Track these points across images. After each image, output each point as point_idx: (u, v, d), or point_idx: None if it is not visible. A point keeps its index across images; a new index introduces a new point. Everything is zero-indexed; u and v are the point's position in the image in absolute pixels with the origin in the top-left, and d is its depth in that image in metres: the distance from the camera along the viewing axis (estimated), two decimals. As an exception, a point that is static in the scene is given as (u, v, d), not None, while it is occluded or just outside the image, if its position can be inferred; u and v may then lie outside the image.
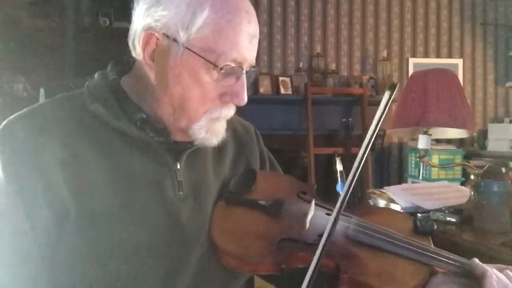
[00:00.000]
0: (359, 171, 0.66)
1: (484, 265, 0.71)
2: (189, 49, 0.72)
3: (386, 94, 0.67)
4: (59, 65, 3.52)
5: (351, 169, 0.67)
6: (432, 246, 0.79)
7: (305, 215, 0.80)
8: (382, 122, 0.67)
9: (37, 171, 0.70)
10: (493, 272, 0.69)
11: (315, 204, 0.84)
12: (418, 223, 0.83)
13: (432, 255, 0.75)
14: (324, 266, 0.73)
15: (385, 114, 0.67)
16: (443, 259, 0.75)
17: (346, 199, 0.66)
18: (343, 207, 0.67)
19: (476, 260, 0.73)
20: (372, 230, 0.79)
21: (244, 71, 0.76)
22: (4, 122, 0.75)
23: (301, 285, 0.61)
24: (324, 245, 0.64)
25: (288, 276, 0.73)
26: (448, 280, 0.73)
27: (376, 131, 0.67)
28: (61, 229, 0.71)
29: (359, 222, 0.80)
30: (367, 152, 0.66)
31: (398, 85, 0.69)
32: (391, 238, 0.77)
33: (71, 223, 0.70)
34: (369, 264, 0.74)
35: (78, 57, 3.59)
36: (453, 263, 0.74)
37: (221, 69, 0.73)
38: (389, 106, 0.67)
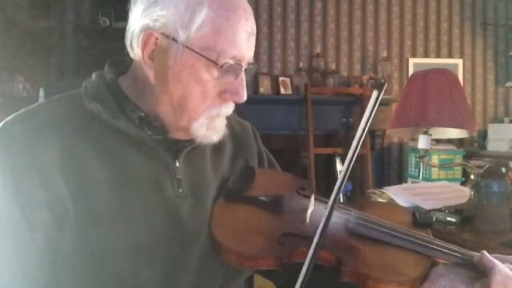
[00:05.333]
0: (352, 162, 0.66)
1: (493, 259, 0.72)
2: (189, 48, 0.72)
3: (374, 93, 0.67)
4: (59, 65, 3.52)
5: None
6: (432, 237, 0.80)
7: (305, 209, 0.81)
8: (370, 122, 0.66)
9: (35, 171, 0.70)
10: (501, 267, 0.69)
11: (315, 199, 0.84)
12: (417, 215, 0.85)
13: (432, 246, 0.76)
14: (325, 259, 0.74)
15: (374, 114, 0.66)
16: (442, 249, 0.76)
17: (342, 186, 0.67)
18: (338, 196, 0.67)
19: (485, 252, 0.73)
20: (372, 223, 0.79)
21: (243, 69, 0.76)
22: (1, 123, 0.74)
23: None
24: (321, 233, 0.64)
25: (288, 272, 0.73)
26: (448, 271, 0.74)
27: (366, 131, 0.66)
28: (60, 229, 0.71)
29: (359, 215, 0.81)
30: (357, 151, 0.66)
31: (386, 84, 0.68)
32: (391, 230, 0.78)
33: (70, 222, 0.70)
34: (370, 257, 0.75)
35: (78, 57, 3.59)
36: (453, 253, 0.75)
37: (221, 66, 0.73)
38: (378, 105, 0.66)
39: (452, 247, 0.76)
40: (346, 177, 0.65)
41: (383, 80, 0.69)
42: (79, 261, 0.71)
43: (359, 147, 0.66)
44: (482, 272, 0.72)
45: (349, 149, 0.66)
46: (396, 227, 0.79)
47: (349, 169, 0.66)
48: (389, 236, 0.78)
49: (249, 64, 0.78)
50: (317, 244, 0.64)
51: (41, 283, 0.71)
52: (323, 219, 0.65)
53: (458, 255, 0.75)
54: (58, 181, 0.71)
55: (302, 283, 0.62)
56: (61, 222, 0.70)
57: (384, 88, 0.67)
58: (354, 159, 0.66)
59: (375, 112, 0.66)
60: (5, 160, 0.71)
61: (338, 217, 0.81)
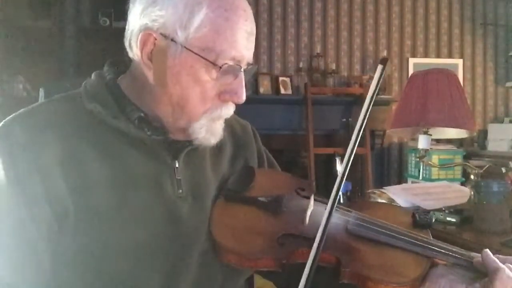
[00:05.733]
0: (354, 151, 0.68)
1: (496, 259, 0.71)
2: (188, 49, 0.72)
3: (379, 67, 0.69)
4: (59, 65, 3.52)
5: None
6: (432, 238, 0.80)
7: (304, 210, 0.80)
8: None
9: (36, 171, 0.70)
10: (504, 269, 0.69)
11: (314, 199, 0.84)
12: (416, 216, 0.85)
13: (431, 247, 0.76)
14: (325, 260, 0.74)
15: (377, 91, 0.69)
16: (442, 250, 0.76)
17: (342, 183, 0.67)
18: (338, 196, 0.67)
19: (488, 252, 0.72)
20: (372, 224, 0.79)
21: (242, 69, 0.76)
22: (2, 123, 0.74)
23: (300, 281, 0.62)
24: (322, 236, 0.64)
25: (288, 273, 0.73)
26: (448, 272, 0.74)
27: (370, 107, 0.68)
28: (61, 229, 0.71)
29: (359, 216, 0.81)
30: (361, 132, 0.68)
31: (388, 60, 0.72)
32: (391, 231, 0.78)
33: (70, 222, 0.70)
34: (369, 258, 0.75)
35: (78, 57, 3.59)
36: (453, 254, 0.75)
37: (220, 67, 0.73)
38: (381, 82, 0.70)
39: (452, 248, 0.76)
40: (348, 166, 0.66)
41: (386, 55, 0.72)
42: (79, 261, 0.71)
43: (362, 129, 0.67)
44: (481, 273, 0.71)
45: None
46: (396, 228, 0.79)
47: (352, 154, 0.66)
48: (388, 237, 0.77)
49: (248, 64, 0.77)
50: (318, 246, 0.64)
51: (41, 283, 0.71)
52: (323, 221, 0.65)
53: (458, 256, 0.75)
54: (58, 181, 0.70)
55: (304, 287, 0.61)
56: (61, 221, 0.70)
57: (387, 63, 0.69)
58: (357, 142, 0.67)
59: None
60: (5, 159, 0.71)
61: (338, 218, 0.80)
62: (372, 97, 0.68)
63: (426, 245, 0.76)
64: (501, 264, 0.70)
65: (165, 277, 0.76)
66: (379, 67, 0.69)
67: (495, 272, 0.69)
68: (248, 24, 0.75)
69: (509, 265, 0.71)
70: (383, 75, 0.70)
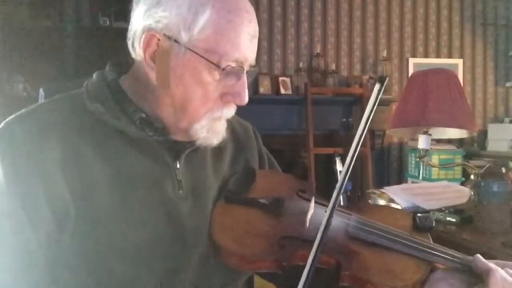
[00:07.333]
0: (351, 165, 0.66)
1: (487, 261, 0.72)
2: (191, 50, 0.72)
3: (376, 86, 0.67)
4: (59, 65, 3.52)
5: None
6: (432, 242, 0.79)
7: (305, 212, 0.80)
8: (371, 120, 0.67)
9: (37, 172, 0.70)
10: (498, 270, 0.69)
11: (315, 202, 0.84)
12: (417, 219, 0.84)
13: (431, 251, 0.76)
14: (325, 263, 0.74)
15: (375, 109, 0.67)
16: (442, 255, 0.75)
17: (342, 189, 0.66)
18: (338, 199, 0.67)
19: (479, 256, 0.73)
20: (372, 227, 0.79)
21: (245, 71, 0.76)
22: (2, 123, 0.74)
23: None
24: (321, 238, 0.64)
25: (288, 275, 0.73)
26: (448, 276, 0.74)
27: (368, 125, 0.67)
28: (62, 230, 0.70)
29: (359, 219, 0.81)
30: (358, 148, 0.66)
31: (387, 78, 0.69)
32: (391, 234, 0.78)
33: (71, 223, 0.70)
34: (369, 261, 0.75)
35: (78, 57, 3.58)
36: (453, 259, 0.75)
37: (223, 69, 0.73)
38: (377, 105, 0.67)
39: (452, 253, 0.76)
40: (349, 172, 0.65)
41: (385, 75, 0.70)
42: (79, 262, 0.71)
43: (360, 144, 0.65)
44: (480, 278, 0.71)
45: (349, 149, 0.66)
46: (396, 232, 0.79)
47: (352, 163, 0.65)
48: (389, 241, 0.77)
49: (251, 66, 0.77)
50: (317, 248, 0.64)
51: (42, 284, 0.71)
52: (323, 224, 0.65)
53: (458, 260, 0.75)
54: (59, 182, 0.70)
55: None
56: (62, 222, 0.70)
57: (386, 82, 0.67)
58: (355, 156, 0.66)
59: (375, 111, 0.66)
60: (6, 160, 0.71)
61: (338, 221, 0.80)
62: (368, 117, 0.67)
63: (426, 249, 0.76)
64: (493, 266, 0.70)
65: (165, 278, 0.76)
66: (377, 85, 0.68)
67: (488, 273, 0.69)
68: (252, 26, 0.75)
69: (508, 269, 0.71)
70: (380, 94, 0.67)
